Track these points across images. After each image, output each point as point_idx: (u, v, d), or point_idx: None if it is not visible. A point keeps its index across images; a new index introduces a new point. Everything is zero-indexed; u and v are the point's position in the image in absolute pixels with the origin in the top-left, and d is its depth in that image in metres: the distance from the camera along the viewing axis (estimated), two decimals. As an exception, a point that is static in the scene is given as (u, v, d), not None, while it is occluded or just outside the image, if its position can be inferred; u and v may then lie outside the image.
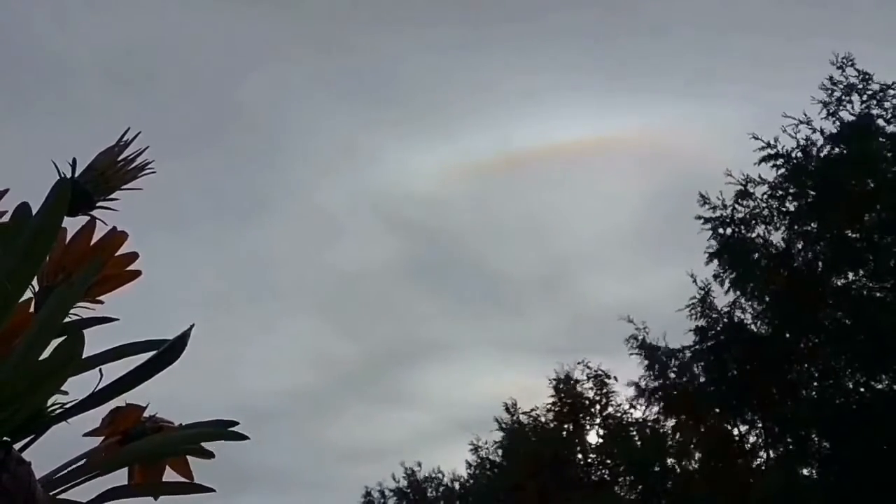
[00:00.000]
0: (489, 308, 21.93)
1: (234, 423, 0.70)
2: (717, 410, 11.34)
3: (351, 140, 19.13)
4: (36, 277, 0.69)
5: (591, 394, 14.11)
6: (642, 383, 12.28)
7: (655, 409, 12.45)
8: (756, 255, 10.72)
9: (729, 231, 10.87)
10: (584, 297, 19.57)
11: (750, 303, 10.93)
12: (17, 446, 0.61)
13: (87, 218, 0.73)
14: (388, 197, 20.07)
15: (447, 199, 19.26)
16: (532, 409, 14.56)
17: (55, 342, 0.60)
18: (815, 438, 10.20)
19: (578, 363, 14.14)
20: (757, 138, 10.54)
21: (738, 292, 10.90)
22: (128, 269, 0.73)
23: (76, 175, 0.71)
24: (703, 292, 11.19)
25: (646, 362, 12.00)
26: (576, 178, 19.53)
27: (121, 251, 0.73)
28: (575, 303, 19.79)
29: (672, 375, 11.93)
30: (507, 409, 14.80)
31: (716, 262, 10.97)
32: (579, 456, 13.94)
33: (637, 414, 13.09)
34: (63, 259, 0.71)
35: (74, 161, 0.71)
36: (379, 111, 20.49)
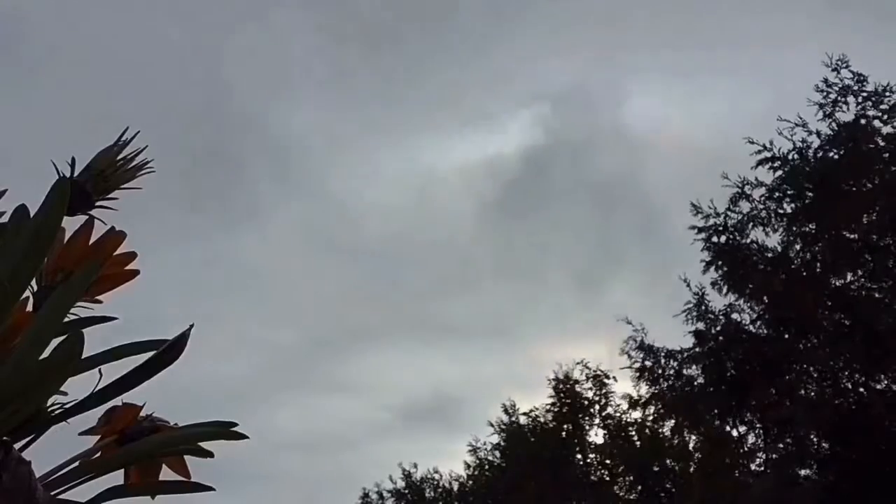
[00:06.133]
0: (415, 293, 21.97)
1: (234, 425, 0.70)
2: (716, 412, 11.32)
3: (285, 132, 19.28)
4: (35, 277, 0.69)
5: (590, 394, 14.12)
6: (637, 389, 12.27)
7: (652, 410, 12.44)
8: (753, 259, 10.69)
9: (723, 239, 10.82)
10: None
11: (748, 304, 10.92)
12: (17, 446, 0.61)
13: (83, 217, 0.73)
14: (315, 185, 20.19)
15: (376, 188, 19.46)
16: (531, 410, 14.57)
17: (55, 342, 0.60)
18: (814, 439, 10.20)
19: (577, 363, 14.16)
20: (752, 142, 10.53)
21: (737, 296, 10.87)
22: (126, 268, 0.73)
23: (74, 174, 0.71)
24: (697, 297, 11.15)
25: (645, 363, 11.98)
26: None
27: (119, 250, 0.73)
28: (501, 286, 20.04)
29: (671, 374, 11.91)
30: (506, 410, 14.79)
31: (713, 270, 10.92)
32: (578, 456, 13.93)
33: (636, 415, 13.11)
34: (62, 259, 0.70)
35: (73, 160, 0.71)
36: (317, 104, 20.64)
